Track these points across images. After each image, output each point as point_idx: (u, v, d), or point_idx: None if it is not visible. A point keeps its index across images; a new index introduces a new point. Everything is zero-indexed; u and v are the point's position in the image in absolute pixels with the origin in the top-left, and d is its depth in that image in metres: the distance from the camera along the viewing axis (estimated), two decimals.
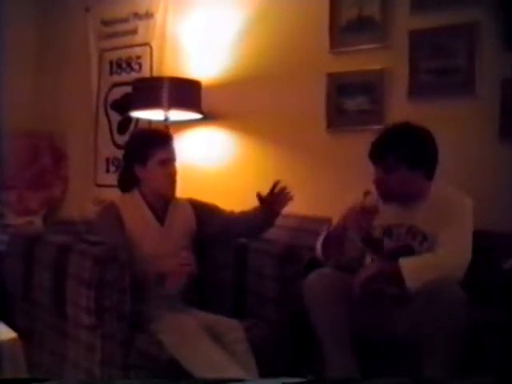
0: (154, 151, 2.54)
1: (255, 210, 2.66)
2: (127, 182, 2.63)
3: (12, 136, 4.27)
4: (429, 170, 2.48)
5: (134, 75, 4.21)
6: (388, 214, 2.51)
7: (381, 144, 2.49)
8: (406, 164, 2.42)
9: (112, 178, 4.32)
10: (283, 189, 2.59)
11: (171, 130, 3.74)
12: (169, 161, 2.57)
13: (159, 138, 2.61)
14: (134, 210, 2.56)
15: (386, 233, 2.52)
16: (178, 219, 2.63)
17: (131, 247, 2.43)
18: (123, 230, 2.48)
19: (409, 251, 2.42)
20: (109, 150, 4.39)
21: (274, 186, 2.59)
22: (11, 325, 2.11)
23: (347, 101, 3.40)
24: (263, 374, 2.28)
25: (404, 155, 2.42)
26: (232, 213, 2.78)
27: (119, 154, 4.30)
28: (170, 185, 2.59)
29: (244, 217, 2.72)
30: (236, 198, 3.63)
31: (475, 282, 2.52)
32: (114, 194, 4.12)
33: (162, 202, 2.61)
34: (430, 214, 2.45)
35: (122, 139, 4.30)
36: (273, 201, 2.59)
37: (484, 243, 2.69)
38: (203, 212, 2.69)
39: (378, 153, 2.48)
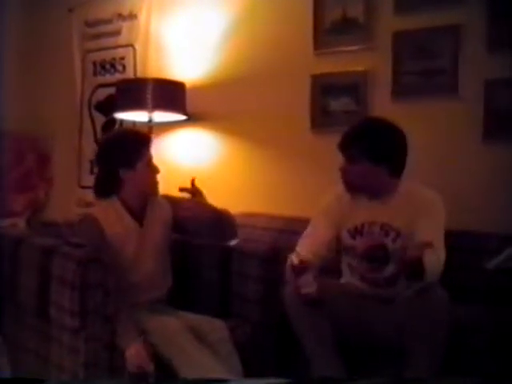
0: (143, 152, 2.50)
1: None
2: (108, 187, 2.54)
3: None
4: (393, 166, 2.49)
5: (117, 76, 4.20)
6: (359, 212, 2.53)
7: (348, 135, 2.53)
8: (368, 158, 2.45)
9: None
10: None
11: (155, 132, 3.74)
12: (152, 160, 2.56)
13: (144, 138, 2.58)
14: (114, 218, 2.49)
15: (358, 231, 2.53)
16: (157, 216, 2.59)
17: (113, 257, 2.40)
18: (106, 243, 2.42)
19: (383, 250, 2.43)
20: (93, 152, 4.35)
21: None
22: None
23: (331, 101, 3.42)
24: (248, 374, 2.28)
25: (366, 149, 2.45)
26: None
27: None
28: (156, 184, 2.57)
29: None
30: (221, 198, 3.64)
31: (459, 282, 2.54)
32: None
33: (142, 202, 2.56)
34: (402, 211, 2.46)
35: None
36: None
37: (467, 243, 2.72)
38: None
39: (344, 143, 2.53)
